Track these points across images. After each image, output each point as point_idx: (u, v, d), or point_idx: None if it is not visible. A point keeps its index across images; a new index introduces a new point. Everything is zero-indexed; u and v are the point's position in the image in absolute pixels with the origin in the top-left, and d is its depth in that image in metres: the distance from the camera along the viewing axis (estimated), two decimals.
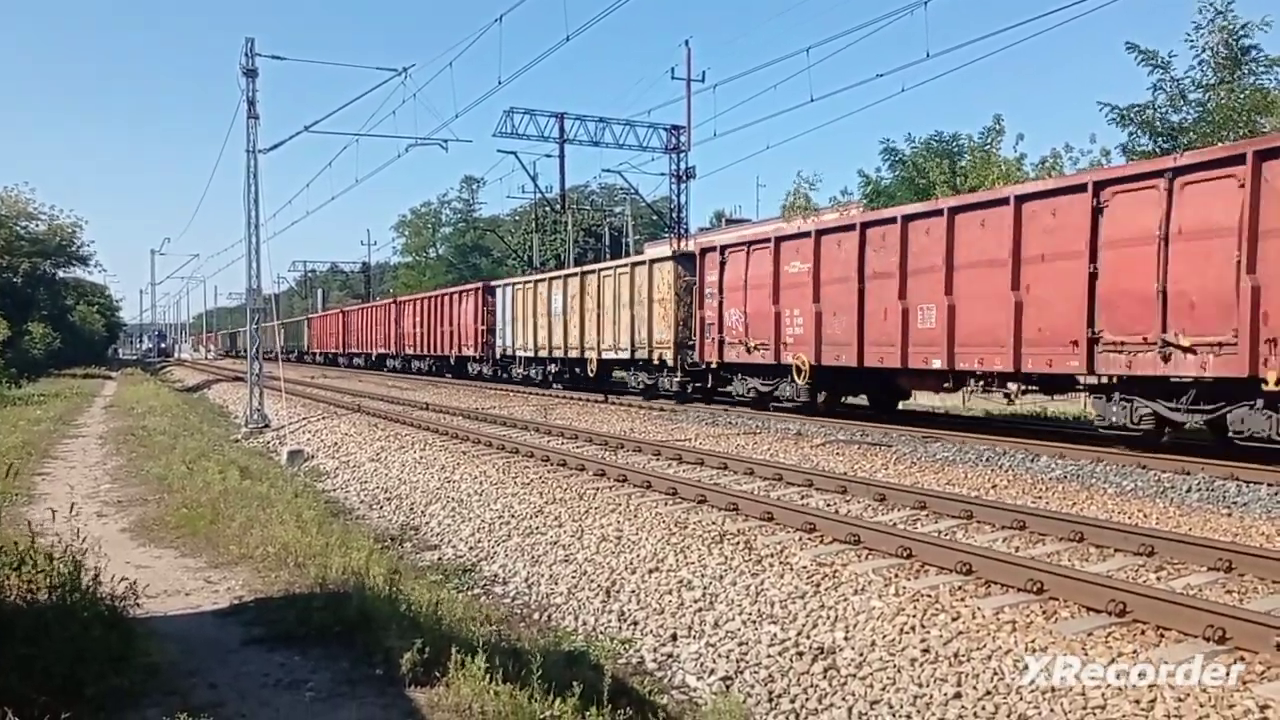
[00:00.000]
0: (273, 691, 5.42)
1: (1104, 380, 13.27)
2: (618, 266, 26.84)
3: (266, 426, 22.79)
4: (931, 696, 5.49)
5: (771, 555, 8.20)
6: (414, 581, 8.00)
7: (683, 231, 42.91)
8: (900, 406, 20.52)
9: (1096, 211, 12.87)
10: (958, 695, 5.43)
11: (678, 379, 23.13)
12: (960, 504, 9.69)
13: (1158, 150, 22.32)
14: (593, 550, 9.21)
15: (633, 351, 24.80)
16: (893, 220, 16.58)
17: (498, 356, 34.70)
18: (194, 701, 5.00)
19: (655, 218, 54.79)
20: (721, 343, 21.11)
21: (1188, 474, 11.41)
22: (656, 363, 23.86)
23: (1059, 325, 13.37)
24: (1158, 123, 23.28)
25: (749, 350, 20.21)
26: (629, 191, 55.61)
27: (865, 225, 17.35)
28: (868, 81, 51.89)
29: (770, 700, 5.88)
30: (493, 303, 34.35)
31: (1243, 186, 11.12)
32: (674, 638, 7.03)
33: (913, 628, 6.32)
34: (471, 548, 10.30)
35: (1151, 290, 12.09)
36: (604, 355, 26.62)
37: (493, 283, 36.43)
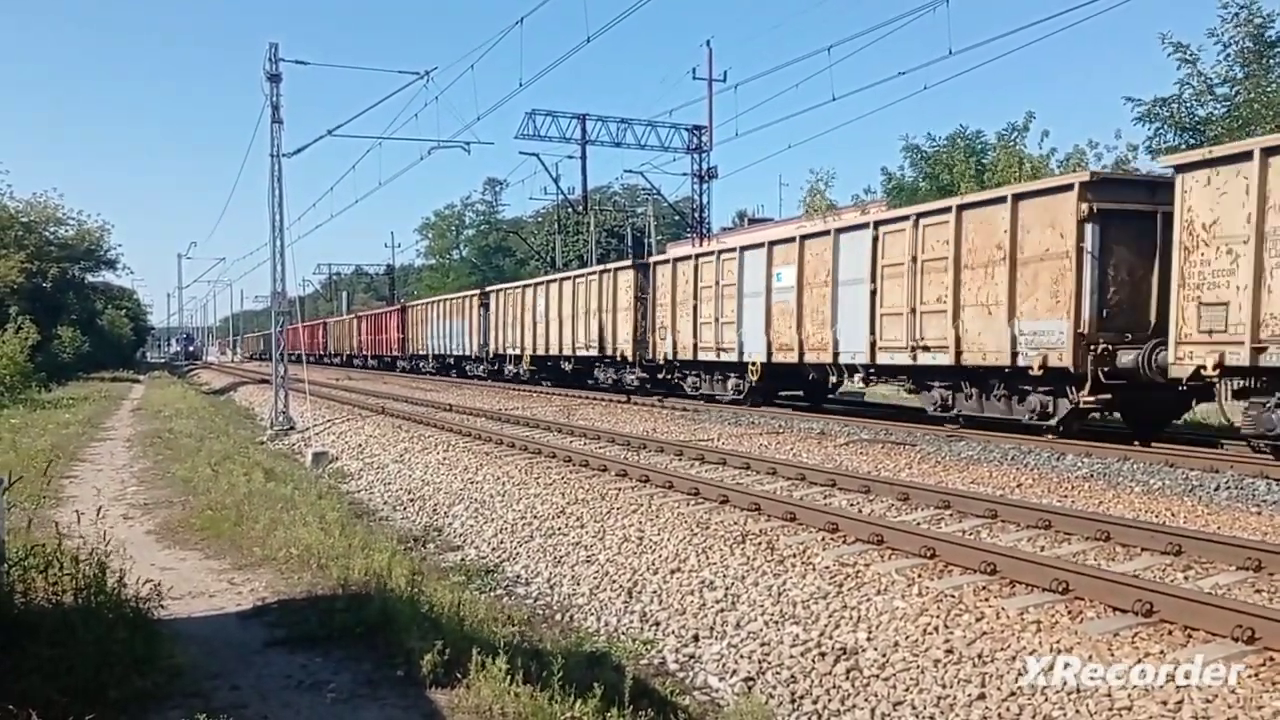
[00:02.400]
0: (294, 693, 5.43)
1: None
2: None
3: (292, 428, 22.93)
4: (955, 697, 5.44)
5: (794, 555, 8.17)
6: (436, 583, 8.01)
7: (705, 231, 42.85)
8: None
9: None
10: (981, 696, 5.39)
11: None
12: (985, 503, 9.62)
13: (1184, 146, 22.10)
14: (615, 551, 9.19)
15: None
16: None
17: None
18: (216, 703, 5.02)
19: (677, 218, 54.74)
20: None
21: (1216, 472, 11.29)
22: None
23: None
24: (1184, 117, 23.06)
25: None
26: (651, 192, 55.56)
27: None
28: (890, 80, 51.68)
29: (793, 701, 5.85)
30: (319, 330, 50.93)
31: None
32: (696, 638, 7.02)
33: (936, 628, 6.27)
34: (494, 549, 10.31)
35: None
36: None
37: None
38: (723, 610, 7.31)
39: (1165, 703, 4.96)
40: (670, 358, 24.29)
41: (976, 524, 9.13)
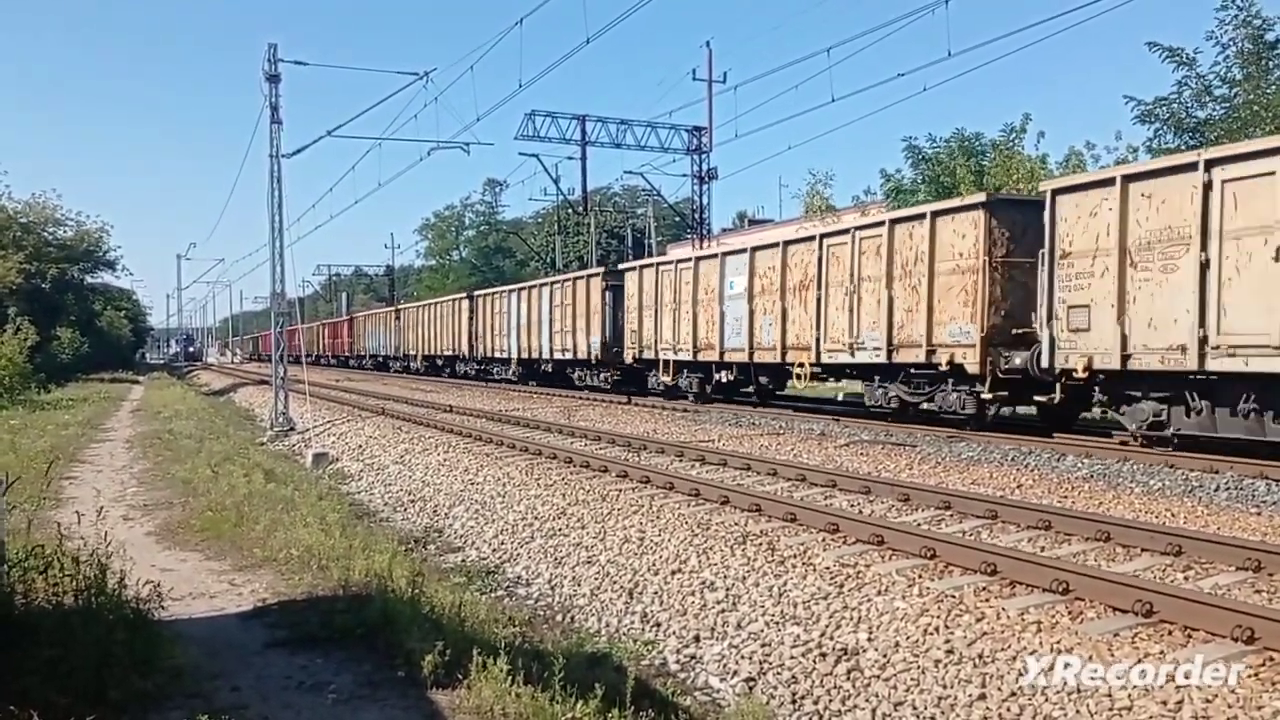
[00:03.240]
0: (295, 694, 5.44)
1: None
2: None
3: (292, 429, 22.93)
4: (956, 698, 5.44)
5: (795, 556, 8.17)
6: (437, 584, 8.01)
7: (705, 232, 42.84)
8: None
9: None
10: (982, 696, 5.39)
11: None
12: (985, 504, 9.62)
13: (1184, 147, 22.08)
14: (615, 552, 9.20)
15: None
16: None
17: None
18: (217, 704, 5.02)
19: (678, 219, 54.74)
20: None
21: (1216, 473, 11.30)
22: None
23: None
24: (1184, 119, 23.04)
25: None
26: (651, 193, 55.61)
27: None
28: (889, 81, 51.69)
29: (794, 702, 5.85)
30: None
31: None
32: (697, 639, 7.02)
33: (936, 629, 6.27)
34: (495, 550, 10.31)
35: None
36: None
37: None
38: (724, 611, 7.31)
39: (1165, 703, 4.96)
40: (483, 355, 39.45)
41: (977, 525, 9.14)
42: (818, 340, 18.79)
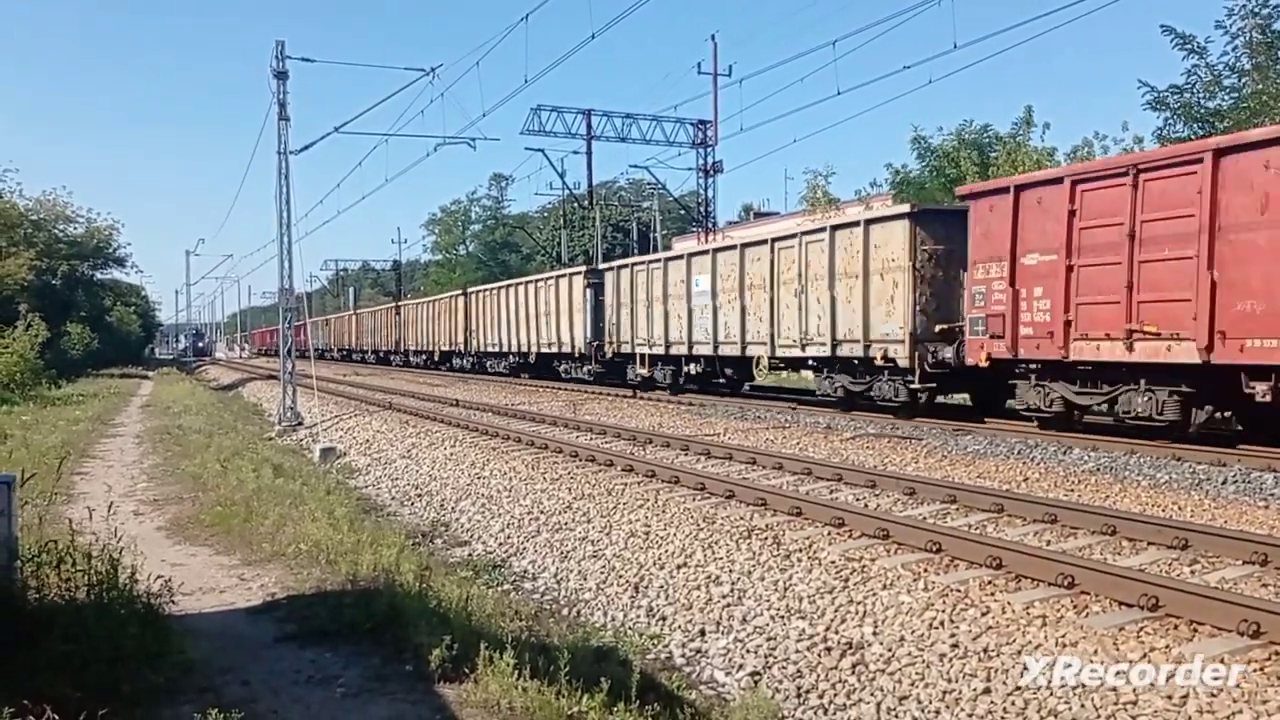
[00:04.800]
0: (305, 688, 5.48)
1: None
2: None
3: (299, 424, 22.98)
4: (961, 692, 5.47)
5: (800, 550, 8.19)
6: (444, 578, 8.05)
7: (711, 226, 42.82)
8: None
9: None
10: (987, 690, 5.41)
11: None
12: (991, 498, 9.62)
13: (1193, 137, 22.02)
14: (621, 546, 9.23)
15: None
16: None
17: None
18: (227, 698, 5.05)
19: (683, 212, 54.67)
20: None
21: (1224, 465, 11.28)
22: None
23: None
24: (1196, 107, 22.97)
25: None
26: (656, 187, 55.59)
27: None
28: (895, 74, 51.43)
29: (799, 696, 5.88)
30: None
31: None
32: (702, 633, 7.05)
33: (942, 623, 6.29)
34: (501, 544, 10.36)
35: None
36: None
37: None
38: (729, 605, 7.34)
39: (1170, 696, 4.98)
40: (359, 347, 52.81)
41: (982, 518, 9.14)
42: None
